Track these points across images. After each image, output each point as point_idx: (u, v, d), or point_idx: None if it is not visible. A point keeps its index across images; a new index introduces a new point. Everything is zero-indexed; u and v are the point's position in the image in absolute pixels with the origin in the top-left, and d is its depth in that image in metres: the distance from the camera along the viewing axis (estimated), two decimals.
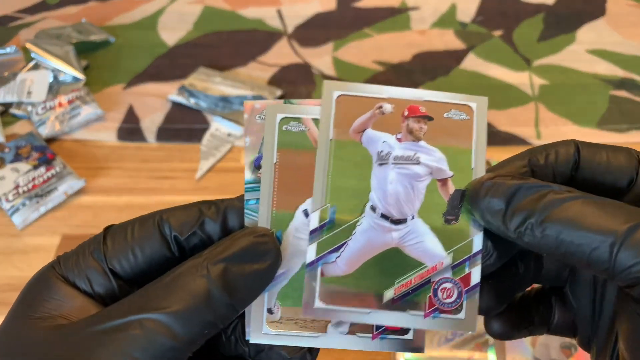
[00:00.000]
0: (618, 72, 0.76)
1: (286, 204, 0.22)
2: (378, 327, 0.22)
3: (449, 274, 0.21)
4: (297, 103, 0.23)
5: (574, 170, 0.22)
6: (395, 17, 0.88)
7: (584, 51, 0.80)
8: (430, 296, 0.21)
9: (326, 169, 0.22)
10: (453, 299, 0.21)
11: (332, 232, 0.22)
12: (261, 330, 0.22)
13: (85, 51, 0.79)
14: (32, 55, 0.75)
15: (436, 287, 0.21)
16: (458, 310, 0.21)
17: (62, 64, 0.74)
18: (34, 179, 0.59)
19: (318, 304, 0.21)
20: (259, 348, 0.23)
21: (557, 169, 0.22)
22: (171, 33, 0.84)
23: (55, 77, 0.73)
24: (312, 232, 0.22)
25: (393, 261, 0.21)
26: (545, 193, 0.19)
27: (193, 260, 0.20)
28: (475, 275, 0.21)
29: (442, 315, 0.21)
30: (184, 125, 0.68)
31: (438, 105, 0.22)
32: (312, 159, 0.22)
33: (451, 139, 0.22)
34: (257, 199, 0.23)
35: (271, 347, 0.22)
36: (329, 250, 0.21)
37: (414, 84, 0.74)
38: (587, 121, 0.68)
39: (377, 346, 0.22)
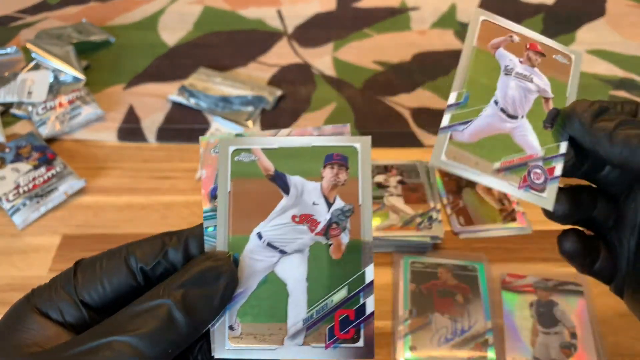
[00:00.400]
0: (617, 72, 0.76)
1: (241, 228, 0.24)
2: (330, 337, 0.23)
3: (540, 163, 0.27)
4: (248, 135, 0.25)
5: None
6: (395, 17, 0.88)
7: (583, 51, 0.80)
8: (524, 175, 0.27)
9: (467, 65, 0.28)
10: (541, 181, 0.27)
11: (463, 110, 0.27)
12: (224, 346, 0.24)
13: (85, 51, 0.80)
14: (33, 55, 0.75)
15: (530, 169, 0.27)
16: (543, 190, 0.27)
17: (62, 64, 0.74)
18: (34, 179, 0.59)
19: (443, 157, 0.26)
20: None
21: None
22: (171, 33, 0.85)
23: (56, 77, 0.73)
24: (449, 106, 0.27)
25: (503, 143, 0.28)
26: (622, 117, 0.26)
27: (157, 287, 0.23)
28: (558, 169, 0.27)
29: (531, 191, 0.27)
30: (184, 126, 0.68)
31: (550, 48, 0.31)
32: (263, 186, 0.25)
33: (555, 73, 0.30)
34: (215, 226, 0.25)
35: None
36: (458, 122, 0.27)
37: (414, 84, 0.74)
38: None
39: (330, 354, 0.23)
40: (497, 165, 0.27)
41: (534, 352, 0.45)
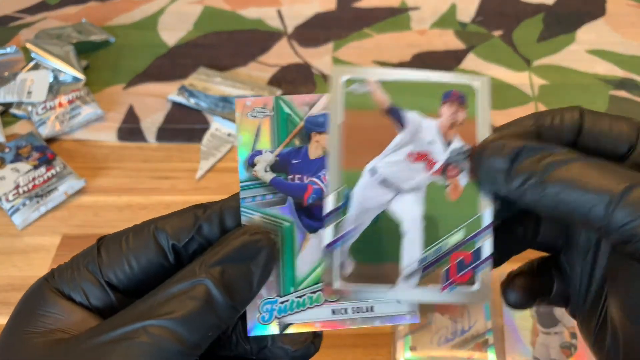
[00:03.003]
0: (618, 72, 0.76)
1: (354, 163, 0.23)
2: (446, 279, 0.22)
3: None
4: (362, 66, 0.24)
5: (577, 136, 0.23)
6: (395, 17, 0.88)
7: (583, 51, 0.80)
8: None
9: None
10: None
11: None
12: (333, 284, 0.22)
13: (85, 51, 0.80)
14: (32, 55, 0.75)
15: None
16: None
17: (62, 64, 0.74)
18: (34, 179, 0.59)
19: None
20: (261, 345, 0.23)
21: (562, 132, 0.23)
22: (171, 33, 0.85)
23: (56, 77, 0.73)
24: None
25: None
26: (548, 154, 0.20)
27: (192, 265, 0.20)
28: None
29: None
30: (184, 126, 0.68)
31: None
32: (376, 120, 0.23)
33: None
34: (254, 196, 0.23)
35: (273, 342, 0.23)
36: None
37: None
38: None
39: (445, 297, 0.22)
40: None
41: (534, 352, 0.45)
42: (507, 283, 0.26)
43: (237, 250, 0.21)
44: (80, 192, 0.59)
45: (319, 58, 0.80)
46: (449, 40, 0.83)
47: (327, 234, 0.22)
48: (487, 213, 0.23)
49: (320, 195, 0.23)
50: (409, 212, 0.23)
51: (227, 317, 0.20)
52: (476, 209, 0.23)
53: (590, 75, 0.75)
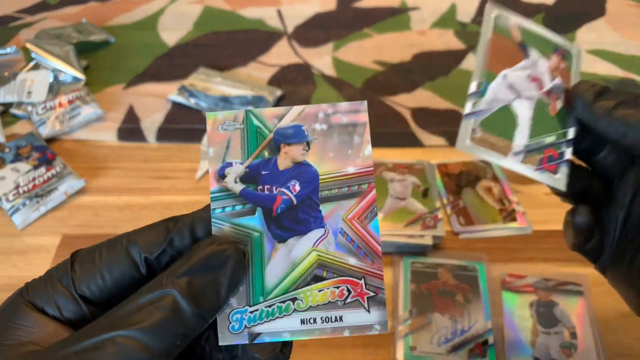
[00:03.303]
0: (617, 72, 0.76)
1: (494, 66, 0.32)
2: (539, 164, 0.31)
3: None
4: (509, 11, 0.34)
5: None
6: (395, 17, 0.88)
7: (583, 51, 0.80)
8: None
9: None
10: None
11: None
12: (465, 142, 0.30)
13: (85, 51, 0.80)
14: (33, 55, 0.75)
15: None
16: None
17: (62, 64, 0.74)
18: (34, 179, 0.59)
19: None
20: (232, 354, 0.23)
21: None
22: (171, 33, 0.85)
23: (56, 77, 0.73)
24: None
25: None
26: (621, 96, 0.29)
27: (160, 277, 0.21)
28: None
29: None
30: (184, 125, 0.68)
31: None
32: (511, 46, 0.33)
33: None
34: (224, 207, 0.24)
35: (244, 351, 0.23)
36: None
37: (414, 84, 0.74)
38: None
39: (537, 175, 0.31)
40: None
41: (534, 352, 0.45)
42: (575, 208, 0.32)
43: (204, 260, 0.21)
44: (80, 192, 0.59)
45: (319, 58, 0.80)
46: (449, 40, 0.83)
47: (467, 106, 0.31)
48: (571, 130, 0.32)
49: (288, 206, 0.24)
50: (523, 111, 0.32)
51: (195, 326, 0.21)
52: (565, 125, 0.32)
53: (590, 75, 0.75)
